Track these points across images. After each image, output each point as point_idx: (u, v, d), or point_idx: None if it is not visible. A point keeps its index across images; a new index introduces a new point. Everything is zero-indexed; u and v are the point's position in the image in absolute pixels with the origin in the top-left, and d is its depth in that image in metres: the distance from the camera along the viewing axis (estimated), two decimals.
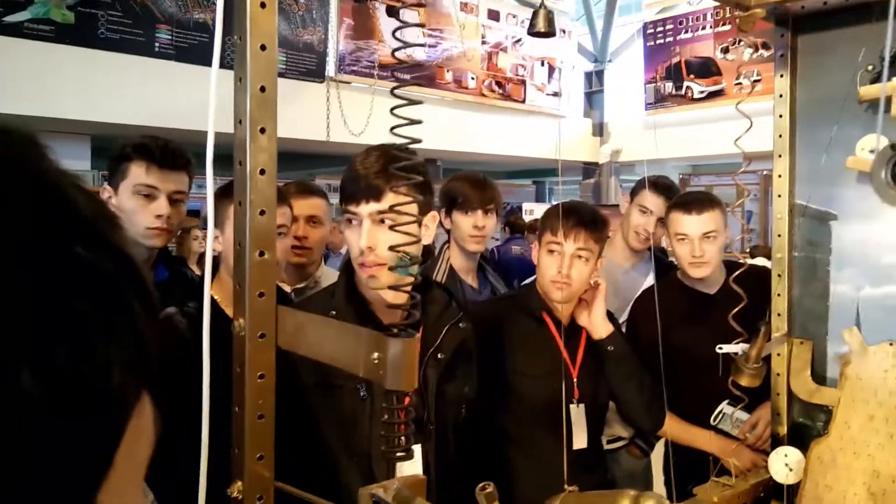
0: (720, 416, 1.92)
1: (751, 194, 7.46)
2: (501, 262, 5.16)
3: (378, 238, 1.31)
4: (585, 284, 1.82)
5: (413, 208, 1.32)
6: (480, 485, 0.90)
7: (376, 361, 0.70)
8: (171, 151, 1.74)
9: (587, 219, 1.80)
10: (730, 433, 1.92)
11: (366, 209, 1.32)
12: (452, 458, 1.43)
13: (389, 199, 1.30)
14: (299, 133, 6.39)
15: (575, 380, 1.83)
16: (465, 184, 2.25)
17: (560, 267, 1.77)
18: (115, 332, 0.27)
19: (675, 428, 2.02)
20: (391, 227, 1.27)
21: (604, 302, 1.86)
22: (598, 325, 1.85)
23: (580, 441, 1.79)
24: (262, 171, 0.85)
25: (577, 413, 1.80)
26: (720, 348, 1.57)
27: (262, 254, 0.85)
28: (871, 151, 1.51)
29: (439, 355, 1.43)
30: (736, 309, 1.65)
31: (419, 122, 0.86)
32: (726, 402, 1.89)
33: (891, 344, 1.48)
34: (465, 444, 1.47)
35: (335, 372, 1.34)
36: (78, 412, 0.25)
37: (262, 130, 0.85)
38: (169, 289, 1.76)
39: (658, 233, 2.49)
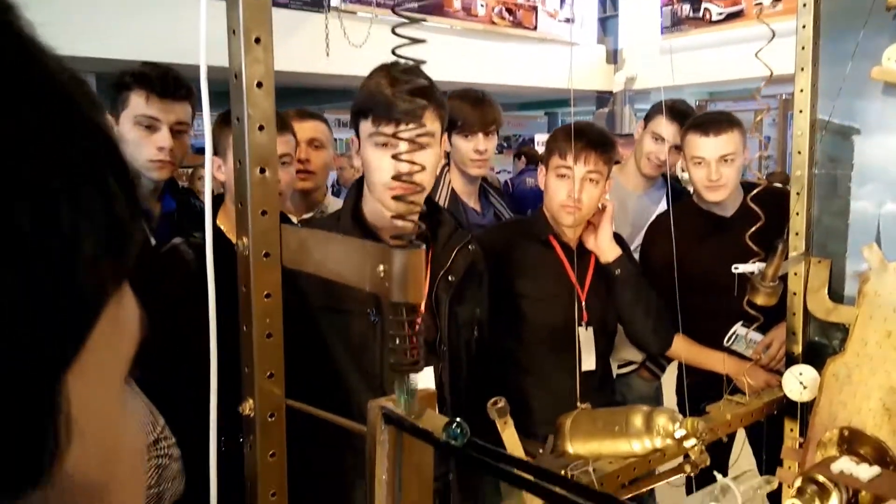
0: (734, 337, 1.91)
1: (770, 109, 7.27)
2: (516, 194, 5.11)
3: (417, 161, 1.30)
4: (595, 207, 1.80)
5: (437, 128, 1.32)
6: (492, 399, 0.90)
7: (382, 274, 0.68)
8: (171, 80, 1.69)
9: (596, 140, 1.76)
10: (743, 354, 1.91)
11: (407, 133, 1.29)
12: (465, 379, 1.43)
13: (427, 120, 1.29)
14: (302, 66, 6.26)
15: (584, 302, 1.82)
16: (464, 105, 2.15)
17: (570, 191, 1.74)
18: (85, 204, 0.25)
19: (688, 350, 2.01)
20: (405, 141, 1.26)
21: (610, 224, 1.84)
22: (605, 248, 1.83)
23: (588, 363, 1.80)
24: (259, 84, 0.82)
25: (586, 336, 1.80)
26: (736, 268, 1.55)
27: (262, 171, 0.82)
28: None
29: (450, 277, 1.42)
30: (753, 228, 1.61)
31: (423, 62, 0.82)
32: (740, 323, 1.88)
33: None
34: (477, 365, 1.47)
35: (345, 296, 1.34)
36: (43, 275, 0.23)
37: (258, 41, 0.81)
38: (177, 219, 1.75)
39: (672, 159, 2.43)
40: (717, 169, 2.01)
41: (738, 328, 1.91)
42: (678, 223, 2.09)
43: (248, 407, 0.85)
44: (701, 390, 1.81)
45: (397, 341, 0.64)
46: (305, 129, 1.99)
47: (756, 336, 1.89)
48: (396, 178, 0.71)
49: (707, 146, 2.02)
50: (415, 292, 0.67)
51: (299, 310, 1.33)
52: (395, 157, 0.71)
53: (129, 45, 5.32)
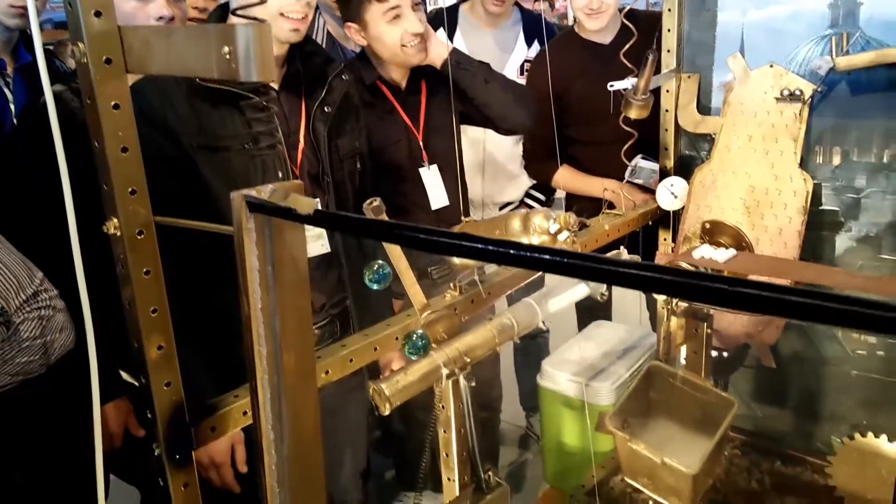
0: (635, 169, 1.94)
1: None
2: None
3: None
4: None
5: None
6: (368, 200, 0.90)
7: (228, 56, 0.65)
8: None
9: None
10: (646, 185, 1.97)
11: None
12: (352, 211, 1.44)
13: None
14: None
15: (421, 143, 1.80)
16: None
17: (410, 28, 1.66)
18: None
19: (571, 178, 2.09)
20: None
21: (429, 26, 1.76)
22: (438, 50, 1.74)
23: (440, 200, 1.82)
24: None
25: (430, 174, 1.81)
26: (611, 85, 1.58)
27: None
28: None
29: (326, 108, 1.38)
30: (627, 45, 1.64)
31: None
32: (640, 156, 1.91)
33: (771, 66, 1.53)
34: (362, 198, 1.47)
35: (219, 133, 1.29)
36: None
37: None
38: (34, 71, 1.63)
39: None
40: None
41: (639, 160, 1.93)
42: (560, 56, 2.10)
43: (112, 226, 0.82)
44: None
45: (252, 126, 0.62)
46: None
47: (655, 166, 1.94)
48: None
49: None
50: (263, 69, 0.64)
51: (174, 151, 1.27)
52: None
53: None
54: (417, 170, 1.78)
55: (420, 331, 0.98)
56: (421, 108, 1.81)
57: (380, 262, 0.96)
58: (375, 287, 0.96)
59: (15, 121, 1.60)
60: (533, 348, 2.62)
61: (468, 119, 1.85)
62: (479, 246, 0.50)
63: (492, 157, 2.31)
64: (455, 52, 1.76)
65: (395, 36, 1.67)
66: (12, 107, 1.61)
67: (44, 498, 1.32)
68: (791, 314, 0.37)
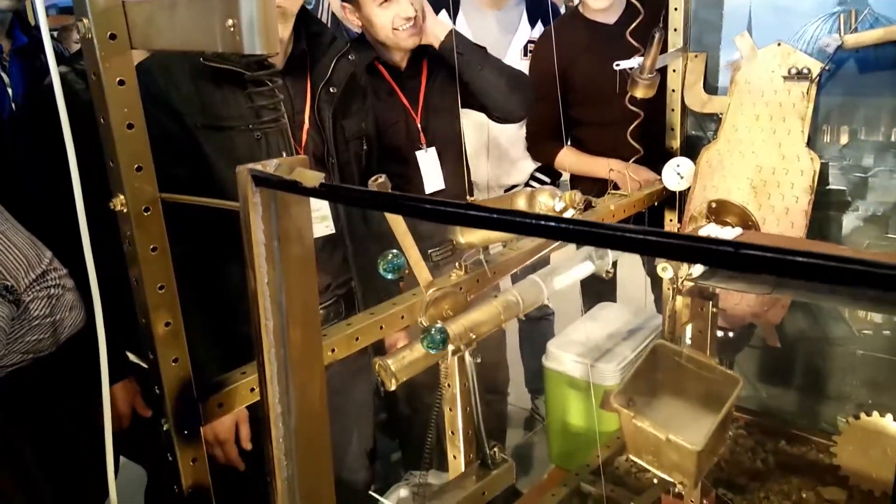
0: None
1: None
2: None
3: None
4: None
5: None
6: (373, 177, 0.90)
7: (232, 28, 0.65)
8: None
9: None
10: None
11: None
12: None
13: None
14: None
15: (419, 125, 1.79)
16: None
17: (402, 12, 1.65)
18: None
19: (574, 160, 2.08)
20: None
21: (429, 6, 1.75)
22: (436, 30, 1.73)
23: (434, 184, 1.81)
24: None
25: (427, 158, 1.79)
26: (617, 65, 1.57)
27: None
28: None
29: (331, 89, 1.38)
30: (634, 24, 1.63)
31: None
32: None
33: (778, 44, 1.51)
34: (368, 179, 1.47)
35: (223, 113, 1.28)
36: None
37: None
38: (31, 54, 1.62)
39: None
40: None
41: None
42: (564, 36, 2.08)
43: (118, 203, 0.82)
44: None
45: (254, 101, 0.61)
46: None
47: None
48: None
49: None
50: (268, 41, 0.64)
51: (179, 131, 1.27)
52: None
53: None
54: (414, 152, 1.77)
55: (439, 324, 0.96)
56: (420, 90, 1.80)
57: (394, 251, 0.96)
58: (390, 277, 0.96)
59: (13, 105, 1.59)
60: (538, 330, 2.63)
61: (466, 103, 1.85)
62: (485, 214, 0.50)
63: (496, 140, 2.30)
64: (452, 34, 1.74)
65: (387, 19, 1.66)
66: (10, 91, 1.60)
67: (53, 475, 1.34)
68: (796, 274, 0.37)
